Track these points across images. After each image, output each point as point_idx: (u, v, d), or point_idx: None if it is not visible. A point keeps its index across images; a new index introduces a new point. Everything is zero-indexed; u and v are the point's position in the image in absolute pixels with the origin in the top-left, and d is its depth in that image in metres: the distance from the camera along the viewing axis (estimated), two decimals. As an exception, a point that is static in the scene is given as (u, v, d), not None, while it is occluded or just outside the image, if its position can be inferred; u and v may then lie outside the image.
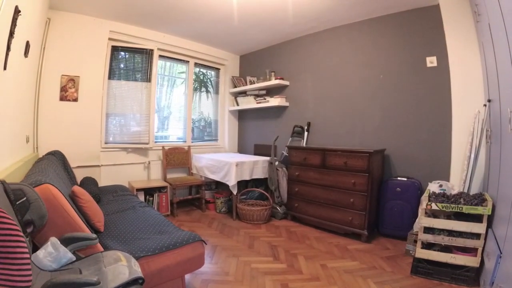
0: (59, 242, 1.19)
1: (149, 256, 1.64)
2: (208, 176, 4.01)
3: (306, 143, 3.98)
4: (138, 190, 3.54)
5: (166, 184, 3.75)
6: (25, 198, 1.08)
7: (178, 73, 4.81)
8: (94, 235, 1.31)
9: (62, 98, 3.29)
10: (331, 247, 2.85)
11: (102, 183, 3.51)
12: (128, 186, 3.68)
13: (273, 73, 4.36)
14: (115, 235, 1.97)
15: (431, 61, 2.96)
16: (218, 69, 5.08)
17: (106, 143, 3.72)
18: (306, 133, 3.98)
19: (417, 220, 2.68)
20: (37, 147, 3.10)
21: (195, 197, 4.10)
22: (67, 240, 1.24)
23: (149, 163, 4.01)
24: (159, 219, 2.30)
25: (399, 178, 3.05)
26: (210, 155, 4.24)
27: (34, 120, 3.06)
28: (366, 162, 2.93)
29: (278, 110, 4.44)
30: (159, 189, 3.73)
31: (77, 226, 1.43)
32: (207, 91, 5.07)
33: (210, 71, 5.08)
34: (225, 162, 3.66)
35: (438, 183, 2.68)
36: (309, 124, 4.00)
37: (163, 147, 4.08)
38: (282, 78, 4.24)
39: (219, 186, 4.43)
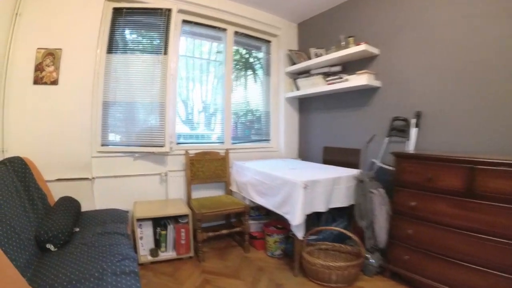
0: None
1: None
2: (254, 200, 2.50)
3: (415, 147, 2.22)
4: (140, 220, 2.21)
5: (186, 211, 2.33)
6: None
7: (216, 52, 3.48)
8: None
9: (36, 81, 2.19)
10: None
11: (96, 204, 2.33)
12: (132, 211, 2.38)
13: (351, 39, 2.70)
14: None
15: None
16: (269, 41, 3.59)
17: (103, 145, 2.51)
18: (414, 129, 2.24)
19: None
20: (2, 150, 2.11)
21: (233, 231, 2.56)
22: None
23: (166, 174, 2.68)
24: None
25: None
26: (260, 164, 2.73)
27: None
28: None
29: (363, 94, 2.76)
30: (176, 219, 2.34)
31: None
32: (254, 73, 3.62)
33: (257, 45, 3.62)
34: (284, 180, 2.10)
35: None
36: (418, 115, 2.25)
37: (186, 151, 2.71)
38: (367, 43, 2.55)
39: (273, 214, 2.85)
